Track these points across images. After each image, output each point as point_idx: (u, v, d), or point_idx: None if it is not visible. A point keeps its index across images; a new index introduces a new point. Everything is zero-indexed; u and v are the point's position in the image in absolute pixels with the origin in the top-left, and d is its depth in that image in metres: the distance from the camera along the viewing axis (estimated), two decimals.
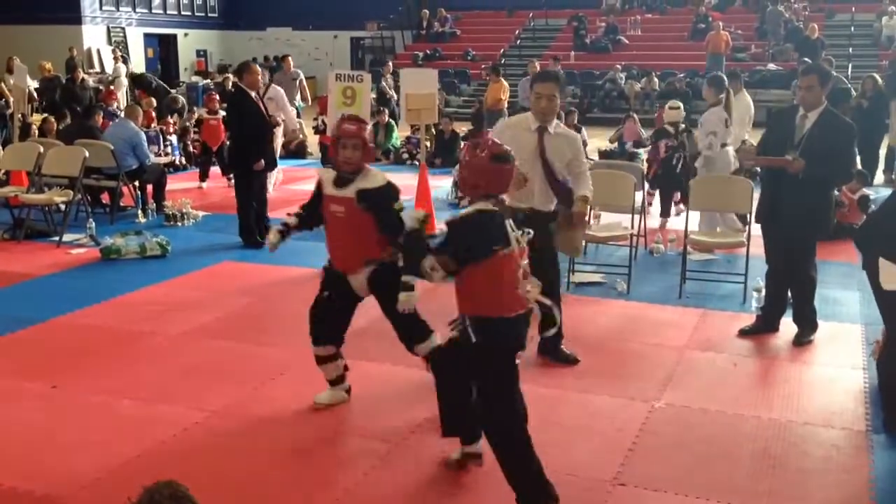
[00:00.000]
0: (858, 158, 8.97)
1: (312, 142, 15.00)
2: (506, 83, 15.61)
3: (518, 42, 25.44)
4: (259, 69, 8.74)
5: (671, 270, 7.39)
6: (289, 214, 4.64)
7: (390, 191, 4.38)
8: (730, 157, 8.18)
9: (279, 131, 11.45)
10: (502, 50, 24.60)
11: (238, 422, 4.53)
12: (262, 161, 8.30)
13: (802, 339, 5.74)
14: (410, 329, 4.50)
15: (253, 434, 4.38)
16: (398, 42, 26.45)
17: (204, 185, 11.84)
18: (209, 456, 4.15)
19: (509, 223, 3.58)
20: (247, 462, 4.08)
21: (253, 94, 8.44)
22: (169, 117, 14.29)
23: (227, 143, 13.84)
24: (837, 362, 5.46)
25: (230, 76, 19.51)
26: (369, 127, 4.69)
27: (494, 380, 3.62)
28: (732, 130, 8.38)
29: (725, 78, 8.86)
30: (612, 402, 4.78)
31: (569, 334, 5.92)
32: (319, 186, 4.52)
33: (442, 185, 11.12)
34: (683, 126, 9.54)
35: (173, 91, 17.80)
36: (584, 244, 5.40)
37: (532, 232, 3.67)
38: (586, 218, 5.31)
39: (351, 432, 4.44)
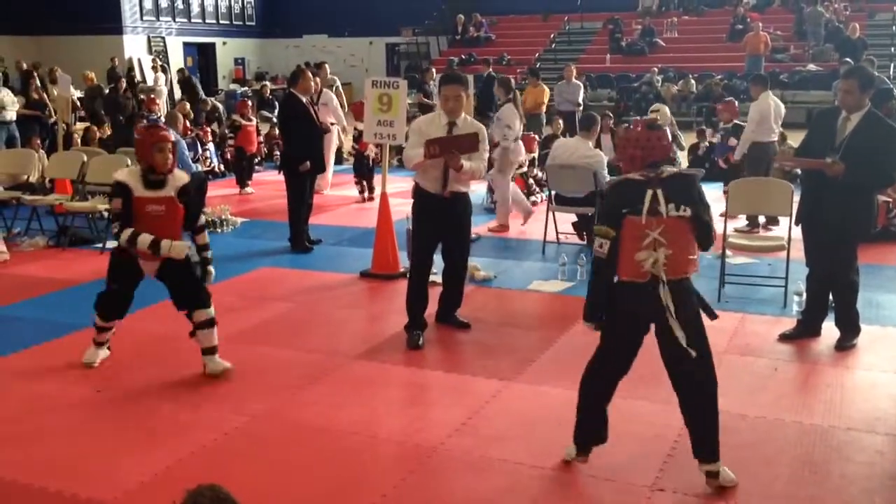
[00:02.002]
0: None
1: (348, 147, 15.08)
2: (545, 87, 15.55)
3: (553, 46, 25.35)
4: (311, 75, 8.87)
5: (709, 274, 7.32)
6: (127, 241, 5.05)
7: (199, 184, 5.35)
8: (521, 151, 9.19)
9: (334, 136, 11.70)
10: (537, 54, 24.53)
11: (278, 426, 4.58)
12: (308, 163, 8.40)
13: (845, 344, 5.65)
14: (197, 296, 5.25)
15: (293, 438, 4.43)
16: (433, 47, 26.50)
17: (243, 191, 11.98)
18: (250, 459, 4.20)
19: (660, 194, 3.72)
20: (287, 466, 4.13)
21: (305, 99, 8.57)
22: (206, 126, 14.48)
23: (267, 148, 14.07)
24: (881, 367, 5.38)
25: (267, 84, 19.73)
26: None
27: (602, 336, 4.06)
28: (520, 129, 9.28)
29: (511, 80, 10.04)
30: (650, 406, 4.75)
31: None
32: (129, 191, 5.00)
33: (477, 189, 11.09)
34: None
35: (210, 99, 18.00)
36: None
37: (689, 209, 3.75)
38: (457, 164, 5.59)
39: (389, 437, 4.46)
